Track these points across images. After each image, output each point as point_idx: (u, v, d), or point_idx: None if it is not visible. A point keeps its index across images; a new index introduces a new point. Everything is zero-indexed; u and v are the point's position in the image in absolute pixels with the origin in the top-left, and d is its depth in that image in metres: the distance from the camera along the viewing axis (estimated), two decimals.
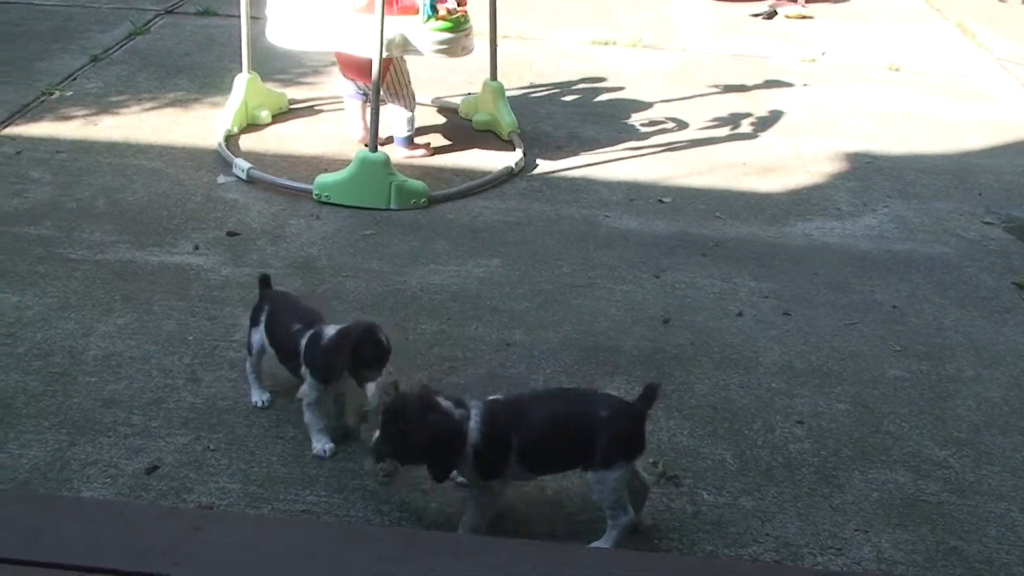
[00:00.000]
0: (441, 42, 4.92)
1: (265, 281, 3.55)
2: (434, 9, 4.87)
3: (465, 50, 5.11)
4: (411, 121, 5.35)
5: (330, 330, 3.24)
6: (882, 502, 3.24)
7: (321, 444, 3.28)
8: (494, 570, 2.22)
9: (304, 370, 3.27)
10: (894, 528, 3.14)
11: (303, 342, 3.26)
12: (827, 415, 3.63)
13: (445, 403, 2.85)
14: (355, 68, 5.17)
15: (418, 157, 5.37)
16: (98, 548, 2.16)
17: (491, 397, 2.96)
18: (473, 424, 2.84)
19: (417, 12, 4.90)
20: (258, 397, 3.49)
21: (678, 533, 3.05)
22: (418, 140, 5.46)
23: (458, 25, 4.97)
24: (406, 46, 4.87)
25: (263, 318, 3.43)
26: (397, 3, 4.91)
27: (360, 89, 5.34)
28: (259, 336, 3.43)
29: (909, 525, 3.16)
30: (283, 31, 5.09)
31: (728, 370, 3.83)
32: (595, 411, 2.87)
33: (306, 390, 3.28)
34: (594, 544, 2.89)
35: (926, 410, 3.70)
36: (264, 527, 2.46)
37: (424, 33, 4.88)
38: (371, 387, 3.11)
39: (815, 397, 3.71)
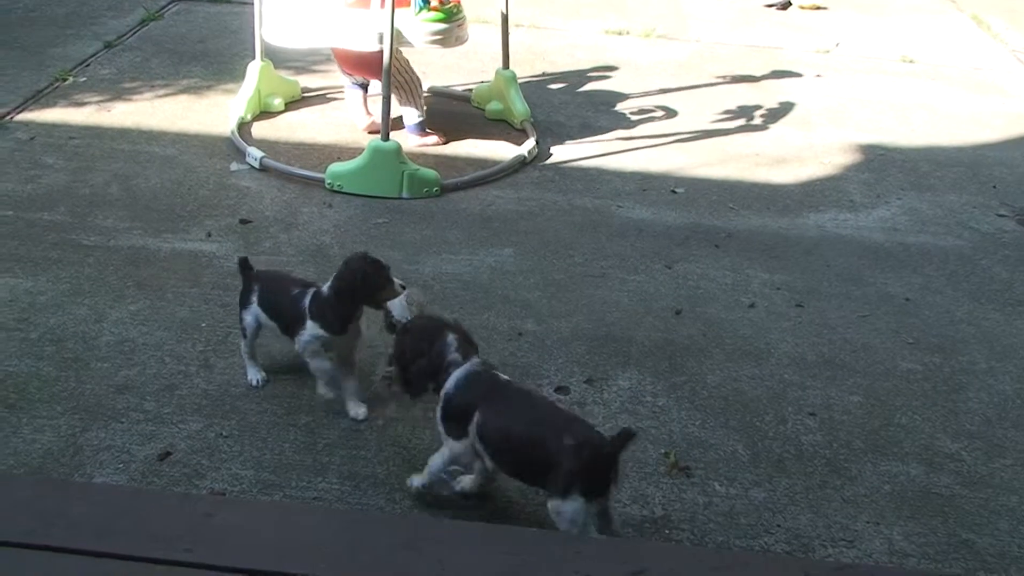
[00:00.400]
0: (434, 33, 4.91)
1: (245, 264, 3.57)
2: (426, 1, 4.85)
3: (459, 40, 5.09)
4: (421, 109, 5.35)
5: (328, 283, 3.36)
6: (894, 494, 3.24)
7: (326, 390, 3.43)
8: (506, 558, 2.22)
9: (309, 324, 3.36)
10: (906, 520, 3.14)
11: (307, 301, 3.36)
12: (839, 407, 3.62)
13: (453, 342, 2.94)
14: (352, 63, 5.18)
15: (431, 145, 5.37)
16: (111, 534, 2.17)
17: (482, 368, 2.94)
18: (454, 375, 2.90)
19: (409, 4, 4.88)
20: (254, 376, 3.53)
21: (689, 524, 3.05)
22: (431, 128, 5.45)
23: (450, 15, 4.95)
24: (399, 38, 4.84)
25: (254, 298, 3.49)
26: None
27: (358, 81, 5.35)
28: (251, 317, 3.50)
29: (921, 518, 3.15)
30: (278, 29, 5.11)
31: (740, 361, 3.83)
32: (560, 436, 2.74)
33: (306, 338, 3.35)
34: None
35: (938, 403, 3.70)
36: (277, 514, 2.47)
37: (416, 25, 4.87)
38: (396, 304, 3.26)
39: (827, 389, 3.71)
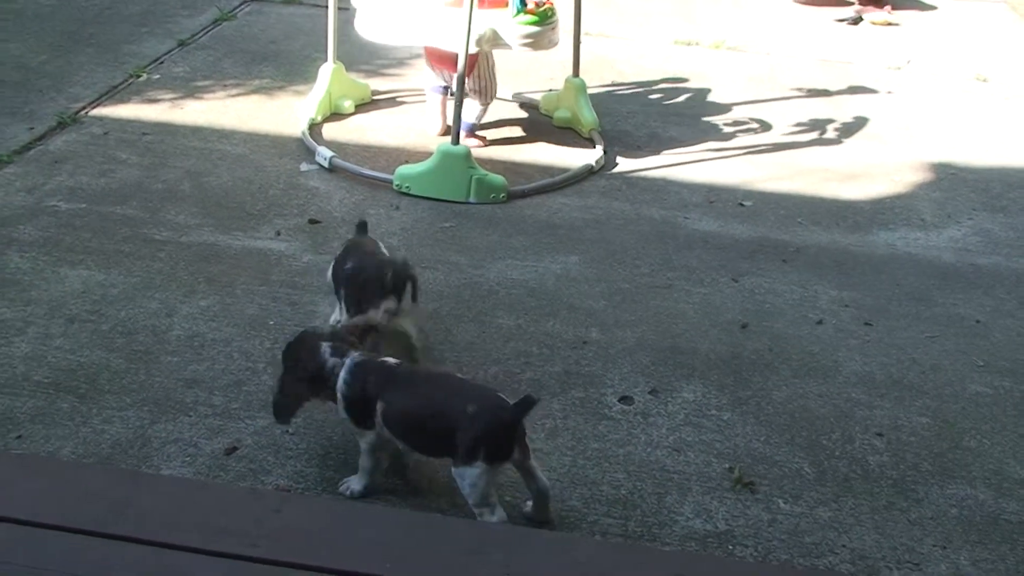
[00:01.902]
0: (528, 35, 4.92)
1: (362, 227, 3.79)
2: (523, 3, 4.87)
3: (551, 43, 5.11)
4: (482, 112, 5.40)
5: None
6: (961, 519, 3.19)
7: None
8: (569, 567, 2.22)
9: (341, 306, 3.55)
10: (973, 545, 3.09)
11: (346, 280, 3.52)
12: (907, 428, 3.57)
13: (326, 349, 3.02)
14: (445, 60, 5.16)
15: (472, 147, 5.37)
16: (179, 526, 2.20)
17: (365, 358, 3.02)
18: (341, 375, 2.97)
19: (506, 5, 4.91)
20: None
21: (753, 540, 3.03)
22: (488, 133, 5.51)
23: (544, 18, 4.97)
24: (496, 40, 4.88)
25: (335, 260, 3.66)
26: None
27: (446, 81, 5.35)
28: (330, 275, 3.67)
29: (989, 543, 3.10)
30: (372, 25, 5.12)
31: (807, 378, 3.79)
32: (462, 405, 2.84)
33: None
34: None
35: (1008, 427, 3.63)
36: (344, 513, 2.48)
37: (512, 27, 4.89)
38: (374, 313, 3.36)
39: (895, 409, 3.66)
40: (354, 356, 3.00)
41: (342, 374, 2.97)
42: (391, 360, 3.06)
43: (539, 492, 2.97)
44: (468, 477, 2.83)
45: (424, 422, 2.91)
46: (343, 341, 3.06)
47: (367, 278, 3.42)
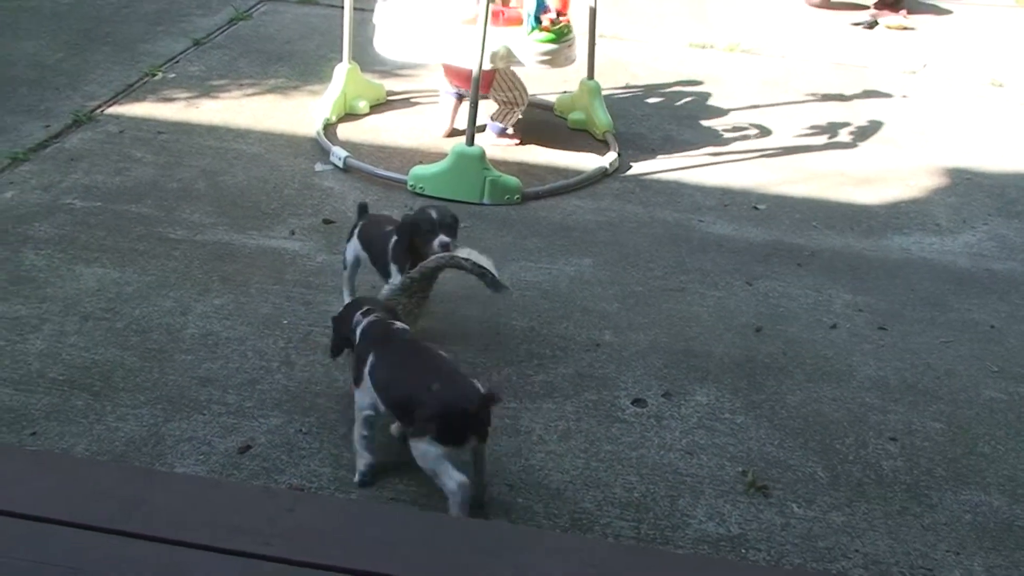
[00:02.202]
0: (544, 53, 4.95)
1: (363, 208, 3.98)
2: (538, 20, 4.88)
3: (568, 60, 5.14)
4: (510, 122, 5.42)
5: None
6: (975, 525, 3.18)
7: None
8: (581, 569, 2.21)
9: (392, 267, 3.67)
10: (987, 552, 3.07)
11: (392, 241, 3.68)
12: (921, 433, 3.56)
13: (360, 317, 3.21)
14: (461, 76, 5.18)
15: (505, 145, 5.38)
16: (191, 524, 2.19)
17: (375, 318, 3.19)
18: (357, 332, 3.18)
19: (522, 23, 4.93)
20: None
21: (766, 544, 3.02)
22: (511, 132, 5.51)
23: (560, 36, 4.99)
24: (510, 58, 4.90)
25: (356, 232, 3.85)
26: (502, 15, 4.95)
27: (458, 92, 5.36)
28: (352, 249, 3.86)
29: (1003, 550, 3.09)
30: (391, 42, 5.16)
31: (820, 382, 3.78)
32: (429, 381, 2.93)
33: (389, 286, 3.64)
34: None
35: (1023, 433, 3.62)
36: (356, 512, 2.47)
37: (528, 44, 4.92)
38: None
39: (909, 414, 3.65)
40: (371, 317, 3.18)
41: (359, 331, 3.16)
42: (399, 324, 3.20)
43: (477, 479, 3.02)
44: (418, 451, 2.91)
45: (396, 385, 3.01)
46: (377, 307, 3.26)
47: (416, 219, 3.65)
